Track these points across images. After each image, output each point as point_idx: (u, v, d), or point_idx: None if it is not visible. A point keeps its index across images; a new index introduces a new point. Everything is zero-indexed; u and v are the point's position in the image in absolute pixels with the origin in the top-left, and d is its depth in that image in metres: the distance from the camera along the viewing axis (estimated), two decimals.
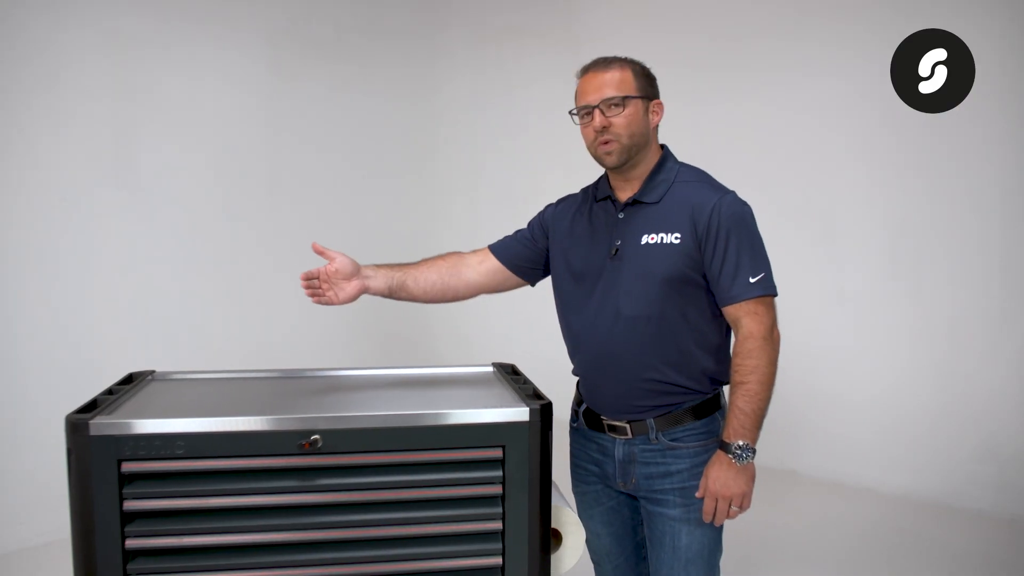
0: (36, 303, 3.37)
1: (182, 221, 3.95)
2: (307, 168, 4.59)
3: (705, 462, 1.77)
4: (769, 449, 4.28)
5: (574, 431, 1.92)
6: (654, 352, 1.69)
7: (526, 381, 1.70)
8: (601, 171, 1.86)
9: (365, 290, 1.81)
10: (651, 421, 1.72)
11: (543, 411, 1.46)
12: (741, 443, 1.62)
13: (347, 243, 4.75)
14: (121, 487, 1.35)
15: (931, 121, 3.67)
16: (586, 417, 1.85)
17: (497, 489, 1.45)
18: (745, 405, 1.62)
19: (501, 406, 1.47)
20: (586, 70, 1.73)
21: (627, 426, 1.75)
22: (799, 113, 4.18)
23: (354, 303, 1.80)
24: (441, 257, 1.91)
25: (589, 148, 1.74)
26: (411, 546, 1.43)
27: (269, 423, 1.38)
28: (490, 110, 5.47)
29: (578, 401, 1.90)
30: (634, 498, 1.86)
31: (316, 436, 1.38)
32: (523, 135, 5.35)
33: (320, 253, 1.78)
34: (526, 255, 1.92)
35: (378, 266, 1.85)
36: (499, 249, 1.93)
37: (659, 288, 1.67)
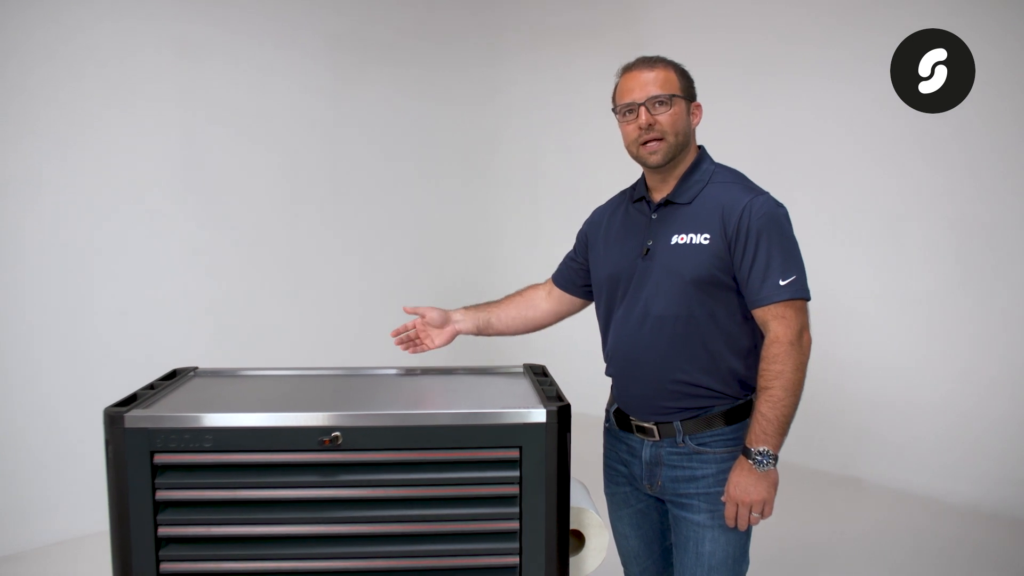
0: (104, 301, 3.53)
1: (248, 223, 4.09)
2: (369, 170, 4.69)
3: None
4: (833, 456, 4.19)
5: (607, 431, 1.93)
6: (682, 353, 1.68)
7: (552, 383, 1.70)
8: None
9: (456, 333, 2.02)
10: (678, 424, 1.71)
11: (560, 413, 1.46)
12: (762, 449, 1.59)
13: (408, 244, 4.86)
14: (154, 477, 1.42)
15: (998, 118, 3.51)
16: (616, 417, 1.85)
17: (514, 489, 1.46)
18: (768, 411, 1.59)
19: (519, 407, 1.49)
20: (628, 68, 1.73)
21: (654, 428, 1.74)
22: (863, 112, 4.04)
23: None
24: (519, 292, 2.08)
25: (630, 147, 1.74)
26: (428, 543, 1.46)
27: (292, 419, 1.43)
28: (550, 111, 5.48)
29: (611, 401, 1.90)
30: (663, 501, 1.85)
31: (336, 433, 1.42)
32: (583, 135, 5.33)
33: (412, 311, 2.00)
34: (576, 276, 1.99)
35: (466, 309, 2.03)
36: (557, 276, 2.04)
37: (687, 288, 1.66)
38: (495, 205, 5.51)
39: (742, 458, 1.62)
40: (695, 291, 1.66)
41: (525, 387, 1.72)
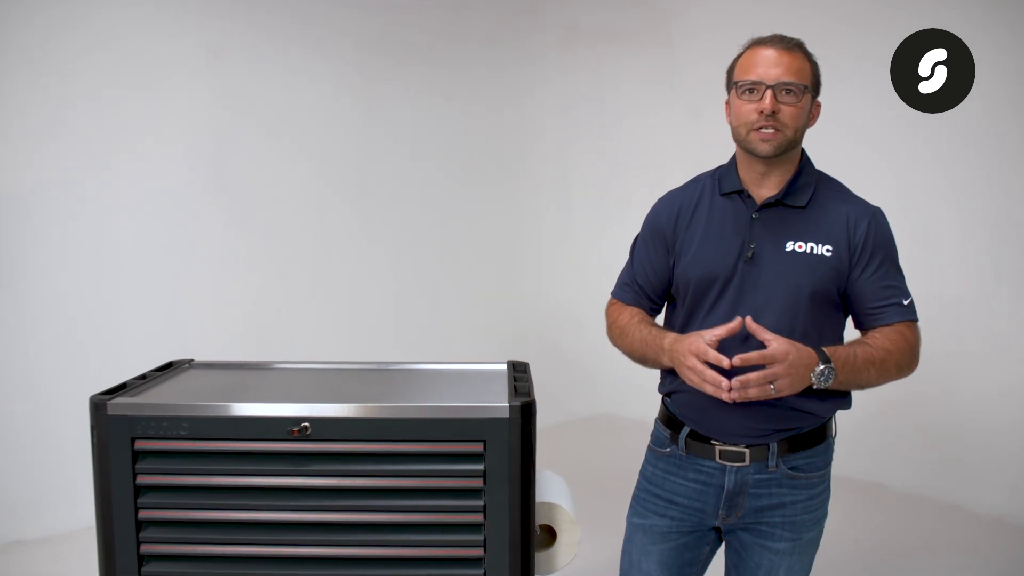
0: (134, 297, 3.68)
1: (276, 223, 4.20)
2: (397, 171, 4.75)
3: (821, 494, 1.69)
4: (855, 460, 4.08)
5: (662, 457, 1.77)
6: None
7: (527, 380, 1.73)
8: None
9: None
10: (773, 446, 1.63)
11: (523, 409, 1.49)
12: (832, 371, 1.50)
13: (437, 245, 4.91)
14: (134, 462, 1.49)
15: (1000, 118, 3.42)
16: (688, 442, 1.71)
17: (478, 483, 1.49)
18: (861, 359, 1.54)
19: (484, 402, 1.52)
20: (761, 42, 1.62)
21: (745, 452, 1.64)
22: (891, 108, 3.95)
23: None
24: (634, 317, 1.81)
25: (739, 128, 1.61)
26: (393, 533, 1.50)
27: (264, 410, 1.48)
28: (582, 113, 5.48)
29: (671, 423, 1.76)
30: (717, 531, 1.75)
31: (306, 423, 1.47)
32: (615, 137, 5.33)
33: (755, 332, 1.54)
34: (651, 290, 1.80)
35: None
36: (643, 301, 1.83)
37: (803, 301, 1.58)
38: (524, 206, 5.53)
39: (815, 354, 1.52)
40: (810, 305, 1.59)
41: (500, 383, 1.74)
